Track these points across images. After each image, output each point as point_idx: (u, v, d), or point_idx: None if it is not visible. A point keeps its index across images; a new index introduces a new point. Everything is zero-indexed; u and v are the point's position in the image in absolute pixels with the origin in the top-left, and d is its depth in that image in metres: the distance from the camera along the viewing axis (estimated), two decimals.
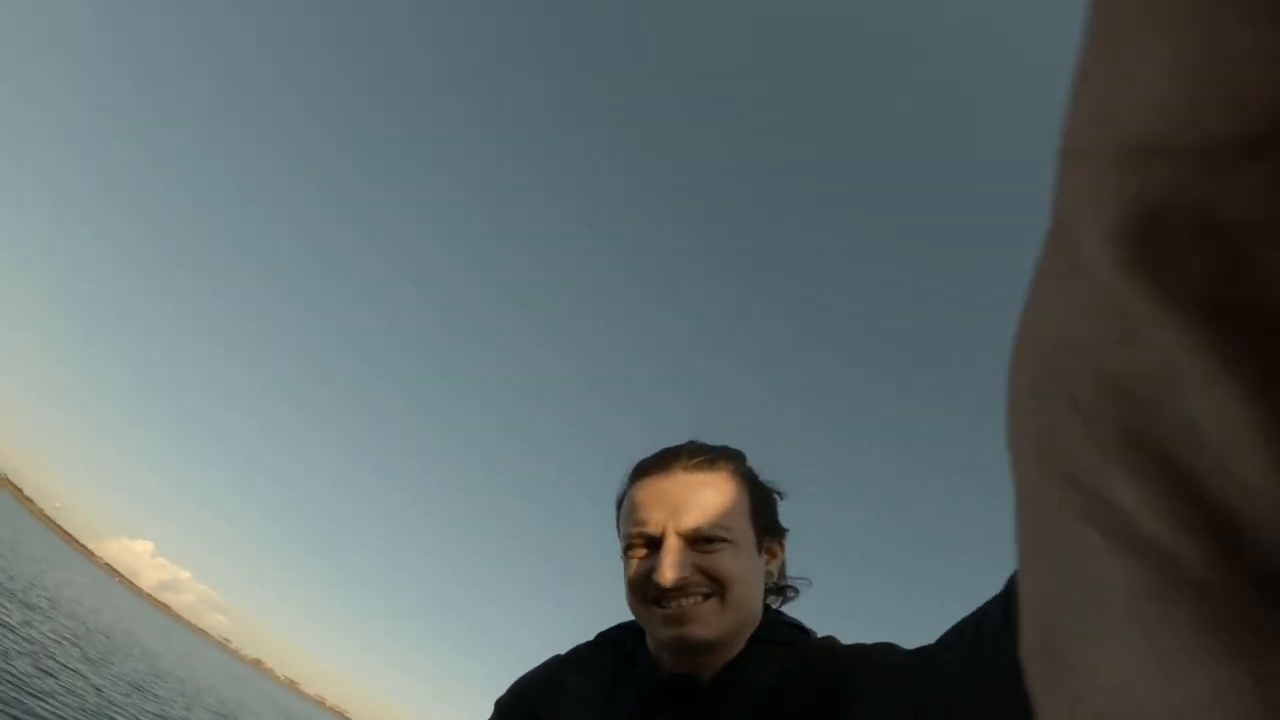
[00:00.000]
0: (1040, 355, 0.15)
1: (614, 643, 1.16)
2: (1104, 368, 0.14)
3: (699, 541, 0.96)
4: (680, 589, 0.95)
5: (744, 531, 1.00)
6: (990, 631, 0.63)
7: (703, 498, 0.98)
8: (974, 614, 0.70)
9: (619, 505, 1.08)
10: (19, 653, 4.63)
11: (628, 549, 1.01)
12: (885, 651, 0.92)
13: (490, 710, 1.21)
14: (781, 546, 1.08)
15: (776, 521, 1.07)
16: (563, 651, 1.21)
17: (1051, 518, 0.15)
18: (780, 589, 1.09)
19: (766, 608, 1.07)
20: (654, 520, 0.98)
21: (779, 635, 1.04)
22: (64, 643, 6.78)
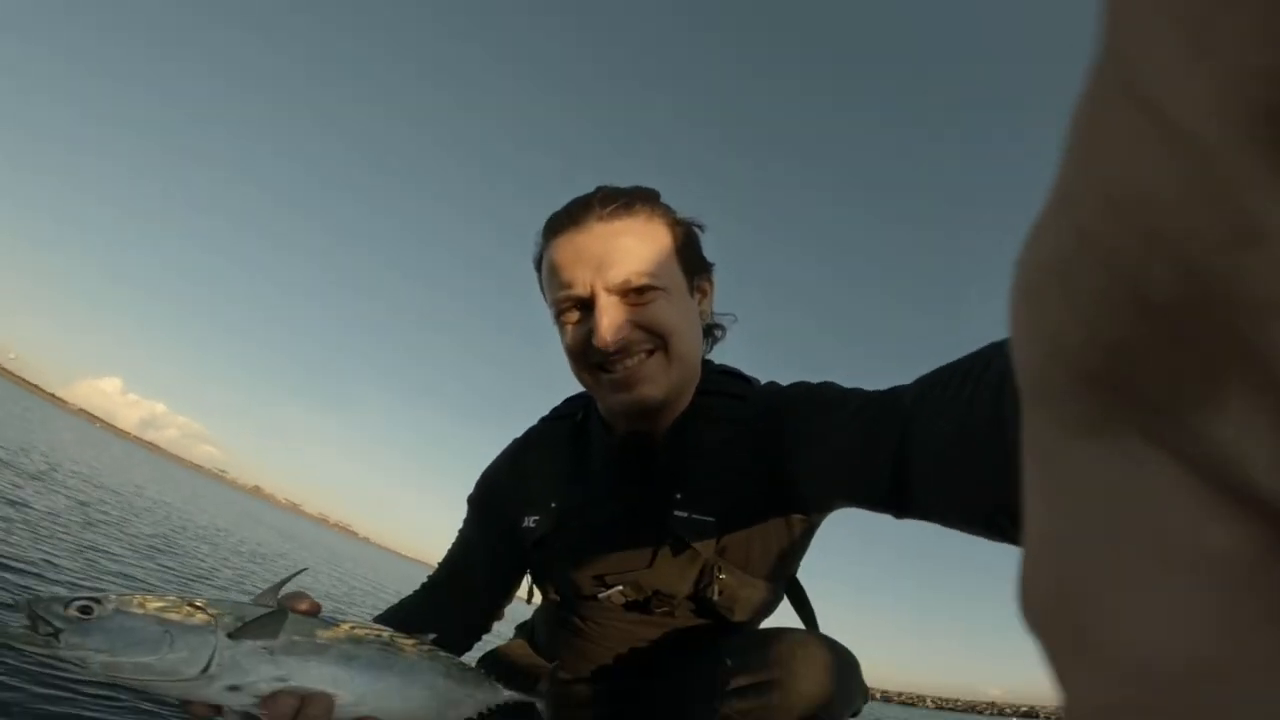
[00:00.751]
0: (1098, 240, 0.11)
1: (566, 417, 1.18)
2: (1210, 266, 0.09)
3: (630, 294, 0.92)
4: (623, 349, 0.92)
5: (674, 276, 0.95)
6: (984, 419, 0.54)
7: (625, 247, 0.92)
8: (954, 375, 0.62)
9: (538, 267, 1.02)
10: (47, 533, 4.10)
11: (559, 315, 0.97)
12: (832, 390, 0.88)
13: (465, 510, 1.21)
14: (710, 283, 1.03)
15: (702, 257, 1.02)
16: (518, 435, 1.21)
17: (1088, 446, 0.12)
18: (708, 329, 1.06)
19: (706, 362, 1.06)
20: (580, 280, 0.93)
21: (724, 386, 1.04)
22: (84, 506, 6.44)
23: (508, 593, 1.19)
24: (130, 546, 5.20)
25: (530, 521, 1.11)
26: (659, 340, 0.94)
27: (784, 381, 1.04)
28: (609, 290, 0.91)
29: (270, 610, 0.66)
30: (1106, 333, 0.11)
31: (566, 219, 0.96)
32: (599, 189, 0.97)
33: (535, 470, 1.15)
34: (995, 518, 0.54)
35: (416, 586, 1.19)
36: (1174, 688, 0.10)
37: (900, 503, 0.68)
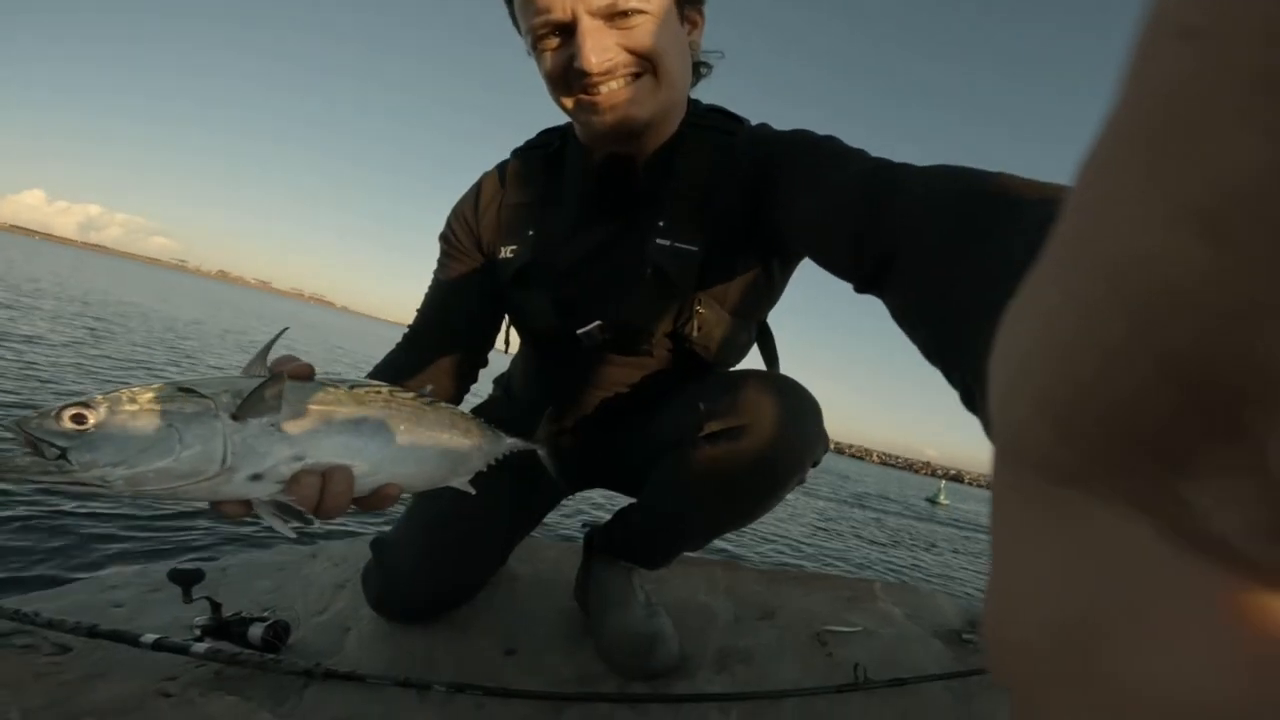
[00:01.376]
0: (1104, 311, 0.11)
1: (540, 147, 1.10)
2: (1222, 339, 0.10)
3: (615, 17, 0.86)
4: (607, 72, 0.87)
5: (656, 1, 0.88)
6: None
7: None
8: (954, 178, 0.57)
9: (508, 2, 0.93)
10: (36, 360, 4.34)
11: (536, 43, 0.90)
12: (830, 145, 0.83)
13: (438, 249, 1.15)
14: (701, 15, 0.97)
15: None
16: (489, 169, 1.14)
17: (1070, 496, 0.13)
18: (696, 66, 1.01)
19: (694, 101, 1.03)
20: (559, 3, 0.85)
21: (712, 121, 1.00)
22: (59, 325, 6.57)
23: (492, 332, 1.16)
24: (124, 360, 5.50)
25: (508, 252, 1.06)
26: (646, 63, 0.89)
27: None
28: (592, 13, 0.85)
29: (264, 379, 0.59)
30: (1104, 396, 0.11)
31: None
32: None
33: (510, 200, 1.09)
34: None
35: (390, 350, 1.14)
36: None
37: (863, 279, 0.65)
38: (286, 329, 0.72)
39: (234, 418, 0.56)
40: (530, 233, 1.05)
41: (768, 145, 0.91)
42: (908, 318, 0.56)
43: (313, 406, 0.60)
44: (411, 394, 0.72)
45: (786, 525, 5.58)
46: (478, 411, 1.19)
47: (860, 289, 0.66)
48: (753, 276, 1.01)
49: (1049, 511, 0.13)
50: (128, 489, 0.52)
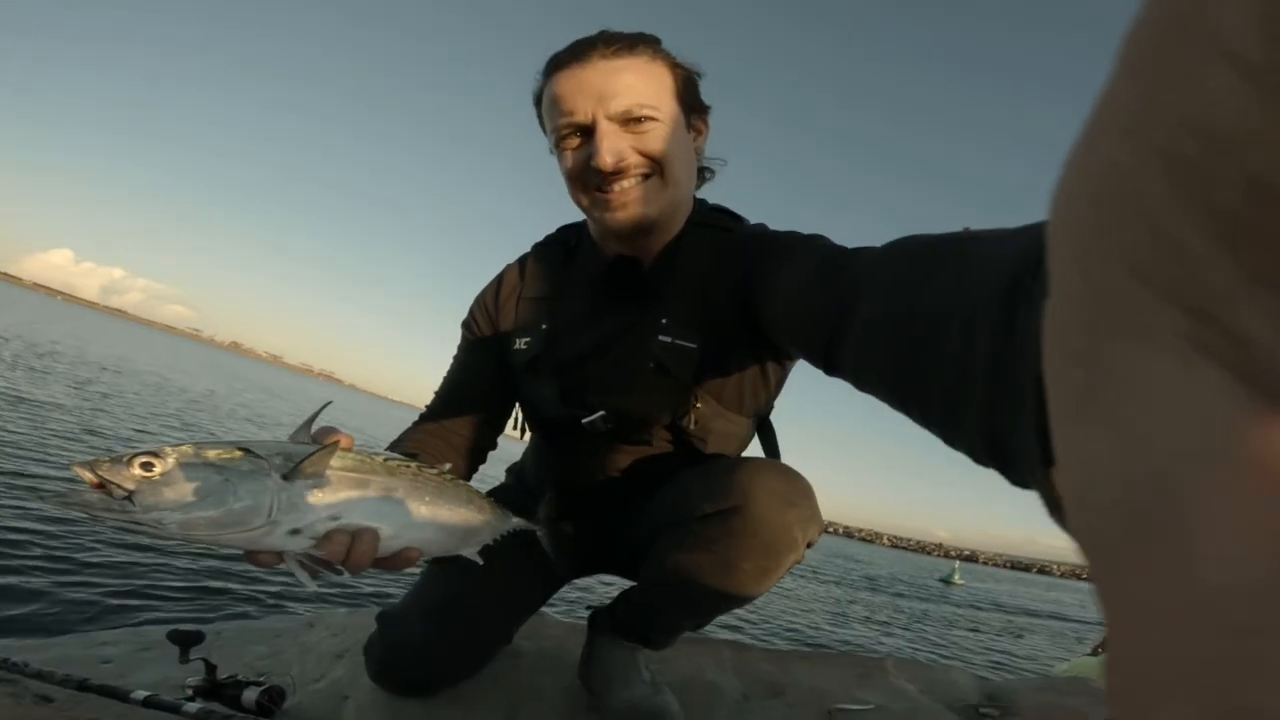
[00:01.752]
0: (1170, 157, 0.11)
1: (557, 243, 1.19)
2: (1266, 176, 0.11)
3: (630, 123, 0.96)
4: (620, 171, 0.95)
5: (671, 110, 0.99)
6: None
7: (627, 80, 0.95)
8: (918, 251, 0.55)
9: (537, 103, 1.04)
10: (61, 423, 4.43)
11: (559, 142, 1.00)
12: (813, 238, 0.88)
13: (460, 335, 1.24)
14: (706, 124, 1.07)
15: (700, 99, 1.05)
16: (511, 261, 1.23)
17: (1135, 349, 0.13)
18: (701, 170, 1.09)
19: (699, 200, 1.11)
20: (581, 108, 0.96)
21: (713, 220, 1.08)
22: (81, 388, 6.70)
23: (503, 417, 1.22)
24: (138, 424, 5.61)
25: (521, 343, 1.13)
26: (655, 165, 0.97)
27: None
28: (610, 118, 0.95)
29: (316, 447, 0.65)
30: (1172, 237, 0.12)
31: (569, 55, 0.98)
32: (601, 32, 0.99)
33: (528, 293, 1.17)
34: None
35: (408, 426, 1.21)
36: None
37: (829, 361, 0.67)
38: (330, 403, 0.80)
39: (284, 478, 0.62)
40: (543, 326, 1.12)
41: (757, 244, 0.97)
42: (868, 375, 0.57)
43: (351, 474, 0.67)
44: (435, 470, 0.79)
45: (797, 611, 5.42)
46: (489, 495, 1.27)
47: (826, 367, 0.68)
48: (749, 372, 1.06)
49: (1117, 370, 0.13)
50: (179, 532, 0.57)
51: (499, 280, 1.21)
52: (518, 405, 1.22)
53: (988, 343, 0.36)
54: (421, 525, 0.72)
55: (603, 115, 0.95)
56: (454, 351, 1.25)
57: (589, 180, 0.98)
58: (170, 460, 0.58)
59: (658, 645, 1.21)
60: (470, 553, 0.83)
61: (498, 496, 1.24)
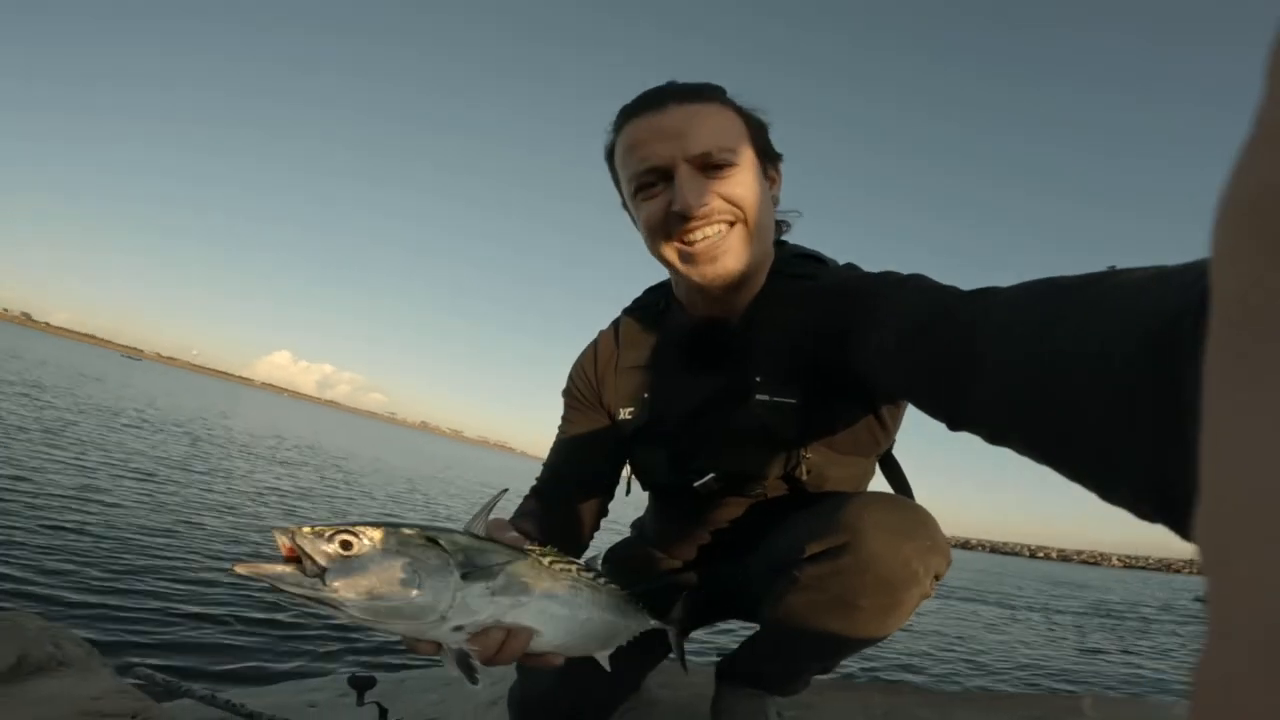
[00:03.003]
0: None
1: (648, 306, 1.16)
2: None
3: (709, 168, 0.91)
4: (704, 217, 0.91)
5: (748, 155, 0.95)
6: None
7: (703, 124, 0.92)
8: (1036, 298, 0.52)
9: (609, 157, 1.02)
10: (307, 510, 5.17)
11: (637, 191, 0.96)
12: (912, 279, 0.81)
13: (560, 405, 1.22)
14: (779, 172, 1.02)
15: (772, 146, 1.00)
16: (603, 327, 1.22)
17: None
18: (777, 222, 1.05)
19: (780, 243, 1.06)
20: (659, 153, 0.92)
21: (796, 269, 1.02)
22: (321, 478, 7.85)
23: (614, 482, 1.20)
24: (369, 505, 6.40)
25: (626, 414, 1.12)
26: (738, 211, 0.93)
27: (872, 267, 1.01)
28: (689, 160, 0.91)
29: (495, 550, 0.66)
30: None
31: (642, 103, 0.96)
32: (669, 82, 0.97)
33: (625, 362, 1.15)
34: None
35: (526, 497, 1.20)
36: None
37: (950, 408, 0.63)
38: (506, 490, 0.81)
39: (463, 577, 0.62)
40: (645, 395, 1.10)
41: (847, 291, 0.92)
42: (1004, 430, 0.53)
43: (519, 579, 0.67)
44: (591, 573, 0.79)
45: (1009, 647, 4.85)
46: (621, 549, 1.31)
47: (952, 423, 0.63)
48: (860, 419, 1.01)
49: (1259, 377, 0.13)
50: (357, 615, 0.57)
51: (595, 348, 1.20)
52: (628, 467, 1.20)
53: (1146, 386, 0.34)
54: (572, 632, 0.73)
55: (682, 157, 0.90)
56: (559, 420, 1.24)
57: (671, 228, 0.93)
58: (366, 542, 0.57)
59: (785, 691, 1.16)
60: (603, 656, 0.83)
61: (623, 551, 1.28)
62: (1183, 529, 0.32)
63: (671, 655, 1.11)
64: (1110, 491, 0.40)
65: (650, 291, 1.20)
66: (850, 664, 2.67)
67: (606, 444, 1.16)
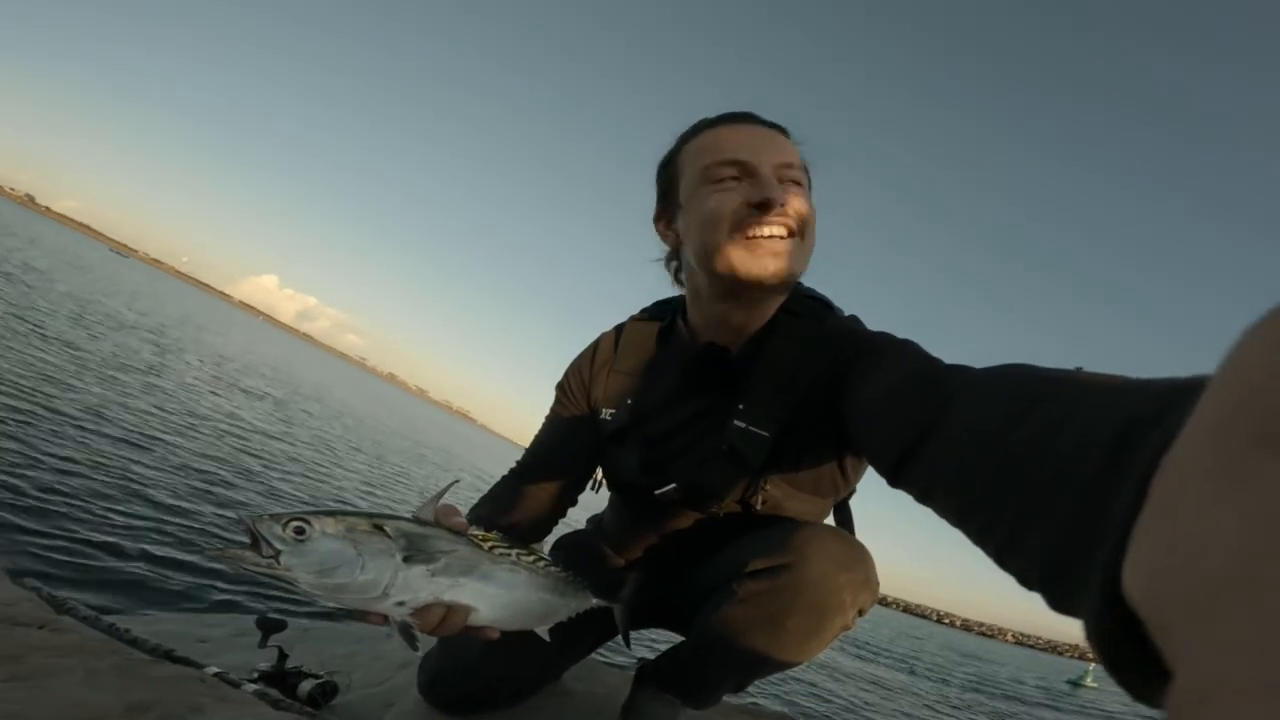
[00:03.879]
0: None
1: (655, 317, 1.20)
2: None
3: (784, 181, 0.95)
4: (781, 215, 0.92)
5: (808, 181, 1.00)
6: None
7: (783, 144, 0.98)
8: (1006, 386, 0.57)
9: (669, 162, 1.05)
10: (259, 446, 5.05)
11: (707, 182, 0.96)
12: (912, 347, 0.86)
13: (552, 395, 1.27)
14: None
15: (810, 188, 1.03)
16: (608, 328, 1.25)
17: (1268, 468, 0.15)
18: None
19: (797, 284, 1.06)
20: (744, 151, 0.94)
21: (805, 309, 1.05)
22: (282, 409, 7.74)
23: (587, 476, 1.25)
24: (330, 457, 6.23)
25: (608, 414, 1.16)
26: (801, 225, 0.96)
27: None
28: (773, 167, 0.94)
29: (438, 536, 0.73)
30: None
31: (729, 116, 1.01)
32: (749, 112, 1.02)
33: (620, 366, 1.18)
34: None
35: (503, 476, 1.26)
36: None
37: (895, 461, 0.68)
38: (457, 481, 0.91)
39: (404, 559, 0.69)
40: (629, 401, 1.15)
41: (849, 343, 0.96)
42: (937, 490, 0.58)
43: (458, 561, 0.74)
44: (531, 555, 0.85)
45: (883, 702, 5.00)
46: (573, 537, 1.38)
47: (893, 477, 0.69)
48: (827, 463, 1.05)
49: (1245, 477, 0.15)
50: (307, 589, 0.66)
51: (594, 348, 1.24)
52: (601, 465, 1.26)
53: (1099, 482, 0.36)
54: (508, 608, 0.80)
55: (769, 163, 0.94)
56: (547, 410, 1.29)
57: (743, 219, 0.93)
58: (316, 528, 0.65)
59: (698, 703, 1.19)
60: (543, 630, 0.89)
61: (581, 539, 1.34)
62: (1059, 604, 0.37)
63: (610, 643, 1.22)
64: (1008, 558, 0.45)
65: (660, 304, 1.23)
66: (760, 689, 2.70)
67: (584, 440, 1.21)
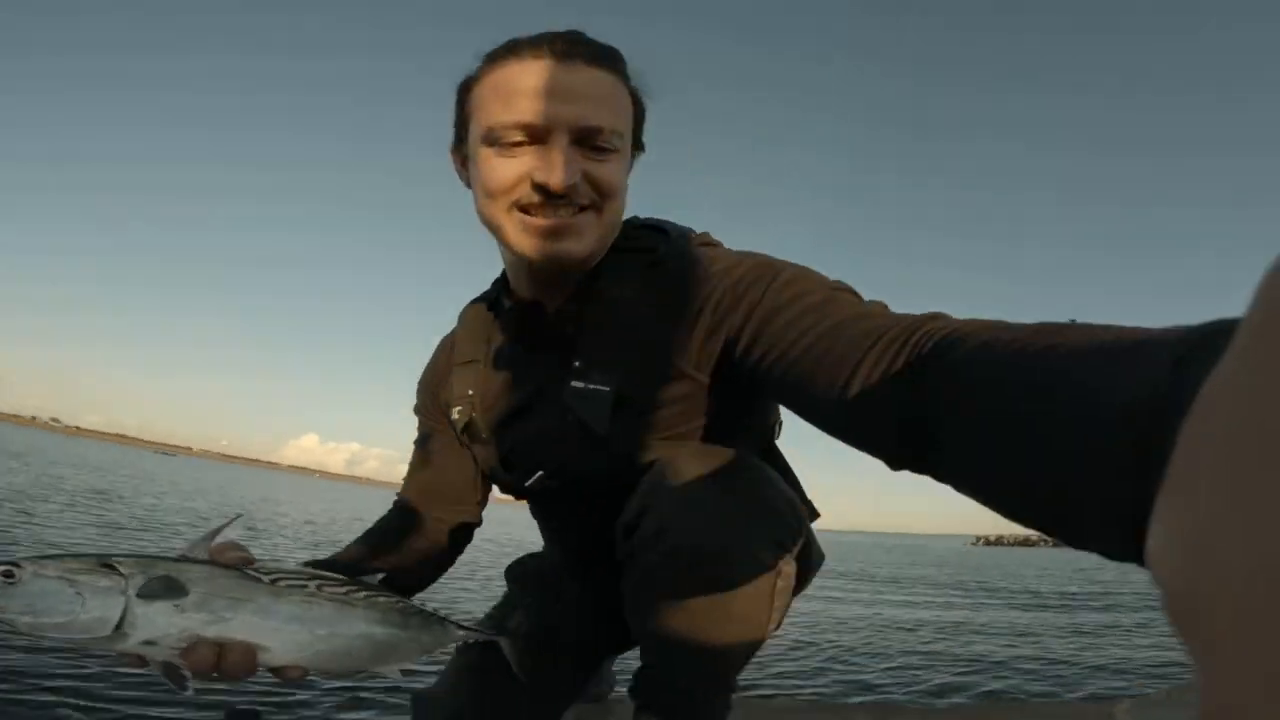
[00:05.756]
0: None
1: (487, 295, 1.03)
2: None
3: (590, 147, 0.78)
4: (564, 196, 0.77)
5: (627, 144, 0.83)
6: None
7: (603, 98, 0.79)
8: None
9: (465, 89, 0.84)
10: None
11: (490, 142, 0.79)
12: (809, 279, 0.73)
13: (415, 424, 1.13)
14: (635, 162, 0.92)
15: (643, 139, 0.89)
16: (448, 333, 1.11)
17: None
18: None
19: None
20: (540, 111, 0.76)
21: (639, 242, 0.89)
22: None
23: (474, 492, 1.08)
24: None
25: (455, 413, 1.00)
26: (598, 200, 0.81)
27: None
28: (571, 131, 0.77)
29: (192, 571, 0.67)
30: None
31: (533, 44, 0.79)
32: (579, 32, 0.81)
33: (458, 359, 1.03)
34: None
35: (389, 509, 1.10)
36: None
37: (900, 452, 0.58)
38: (240, 515, 0.81)
39: (139, 595, 0.64)
40: (470, 392, 0.99)
41: (689, 275, 0.83)
42: (971, 479, 0.49)
43: (224, 594, 0.67)
44: (347, 587, 0.75)
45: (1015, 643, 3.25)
46: (514, 565, 1.21)
47: (914, 465, 0.57)
48: (708, 398, 0.85)
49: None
50: (30, 632, 0.63)
51: (436, 354, 1.09)
52: None
53: (1119, 467, 0.33)
54: (312, 646, 0.71)
55: (565, 126, 0.76)
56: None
57: (519, 197, 0.79)
58: (28, 572, 0.62)
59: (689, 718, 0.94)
60: (390, 670, 0.78)
61: (529, 563, 1.18)
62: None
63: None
64: (1079, 539, 0.40)
65: (495, 284, 1.02)
66: (826, 681, 2.26)
67: (452, 453, 1.05)
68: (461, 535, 1.09)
